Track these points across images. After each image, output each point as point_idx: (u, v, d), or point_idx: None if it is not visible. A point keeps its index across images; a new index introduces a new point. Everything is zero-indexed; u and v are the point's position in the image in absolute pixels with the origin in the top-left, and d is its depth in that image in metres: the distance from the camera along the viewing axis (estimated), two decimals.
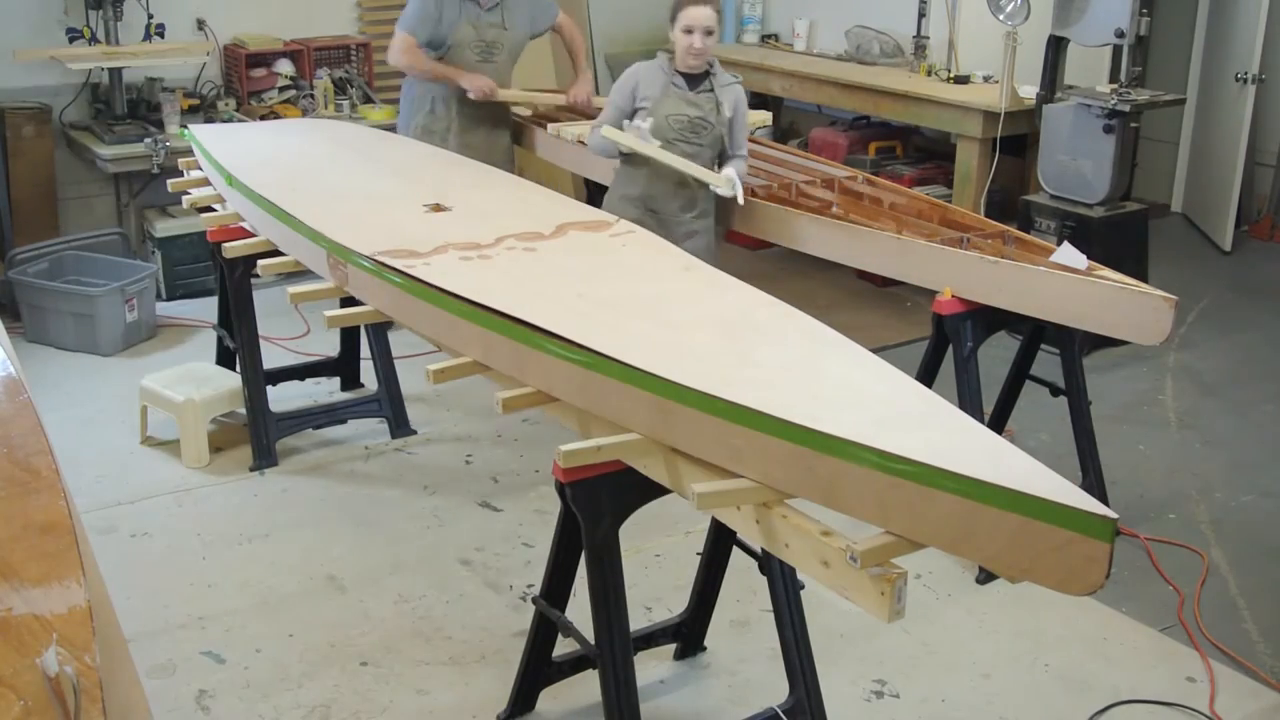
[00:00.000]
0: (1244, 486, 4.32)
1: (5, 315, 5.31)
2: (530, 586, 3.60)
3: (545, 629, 2.94)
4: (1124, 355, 5.34)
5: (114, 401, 4.83)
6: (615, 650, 2.64)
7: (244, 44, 6.37)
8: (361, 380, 4.96)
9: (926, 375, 3.84)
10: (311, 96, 6.45)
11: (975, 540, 1.92)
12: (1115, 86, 5.36)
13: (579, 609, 2.81)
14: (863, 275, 6.13)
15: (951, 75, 6.40)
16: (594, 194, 5.26)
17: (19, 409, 2.31)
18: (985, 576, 3.67)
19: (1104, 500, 3.39)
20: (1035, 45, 5.66)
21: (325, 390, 4.96)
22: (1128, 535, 3.90)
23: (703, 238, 4.27)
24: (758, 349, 2.49)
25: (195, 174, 4.56)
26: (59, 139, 6.07)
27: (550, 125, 5.39)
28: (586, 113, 5.37)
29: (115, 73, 5.99)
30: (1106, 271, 3.54)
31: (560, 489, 2.58)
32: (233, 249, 4.02)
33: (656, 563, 3.79)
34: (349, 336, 4.90)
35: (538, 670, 3.01)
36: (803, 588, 2.93)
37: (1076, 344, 3.92)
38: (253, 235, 3.99)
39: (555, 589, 2.89)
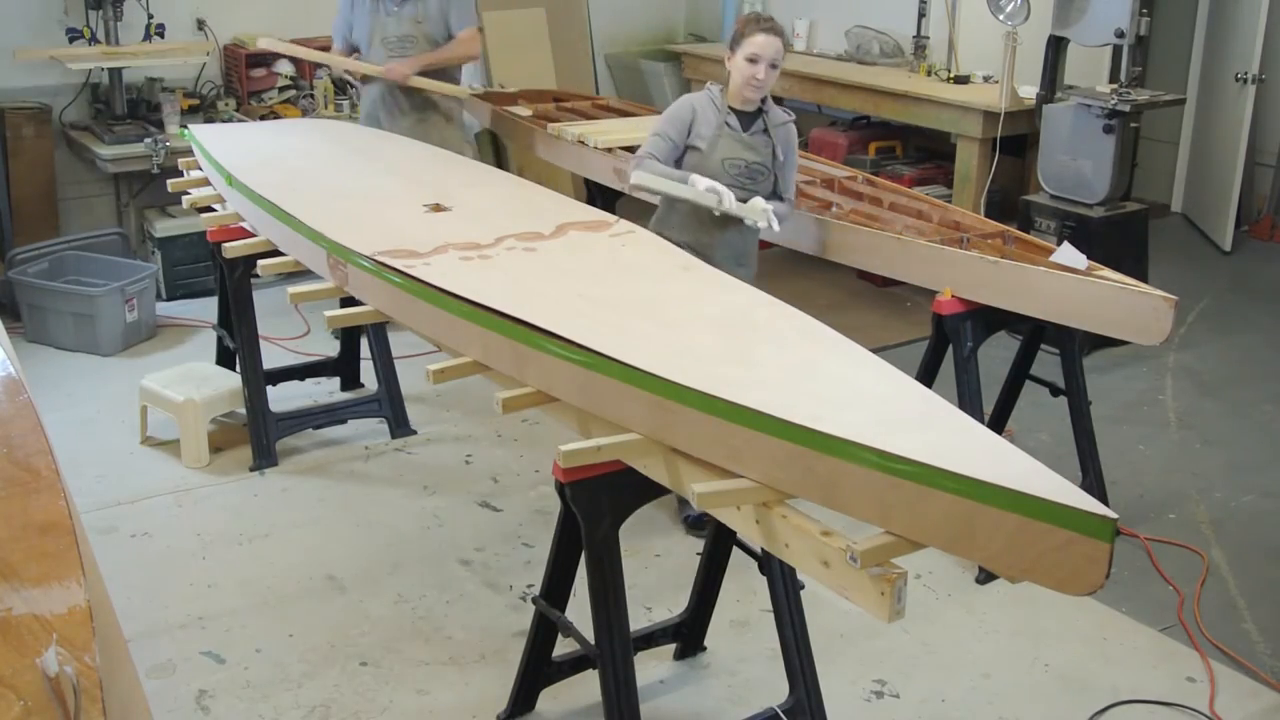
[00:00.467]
0: (1244, 486, 4.32)
1: (5, 315, 5.32)
2: (530, 586, 3.60)
3: (545, 629, 2.94)
4: (1124, 355, 5.34)
5: (114, 401, 4.83)
6: (615, 650, 2.64)
7: (244, 44, 6.37)
8: (361, 380, 4.96)
9: (926, 375, 3.84)
10: (311, 96, 6.46)
11: (975, 540, 1.92)
12: (1115, 86, 5.36)
13: (579, 609, 2.81)
14: (863, 275, 6.13)
15: (951, 75, 6.41)
16: (594, 194, 5.26)
17: (19, 409, 2.30)
18: (985, 576, 3.67)
19: (1104, 500, 3.39)
20: (1035, 45, 5.66)
21: (325, 390, 4.96)
22: (1128, 535, 3.90)
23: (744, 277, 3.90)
24: (758, 349, 2.49)
25: (195, 174, 4.56)
26: (59, 139, 6.07)
27: (550, 125, 5.38)
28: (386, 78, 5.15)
29: (115, 73, 5.99)
30: (1106, 271, 3.54)
31: (560, 489, 2.58)
32: (233, 249, 4.02)
33: (656, 563, 3.79)
34: (349, 336, 4.90)
35: (538, 670, 3.01)
36: (803, 588, 2.93)
37: (1076, 344, 3.92)
38: (253, 235, 3.99)
39: (555, 589, 2.89)
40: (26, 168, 5.94)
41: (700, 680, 3.26)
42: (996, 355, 4.49)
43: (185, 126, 4.98)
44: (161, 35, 6.16)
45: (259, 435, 4.36)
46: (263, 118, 6.06)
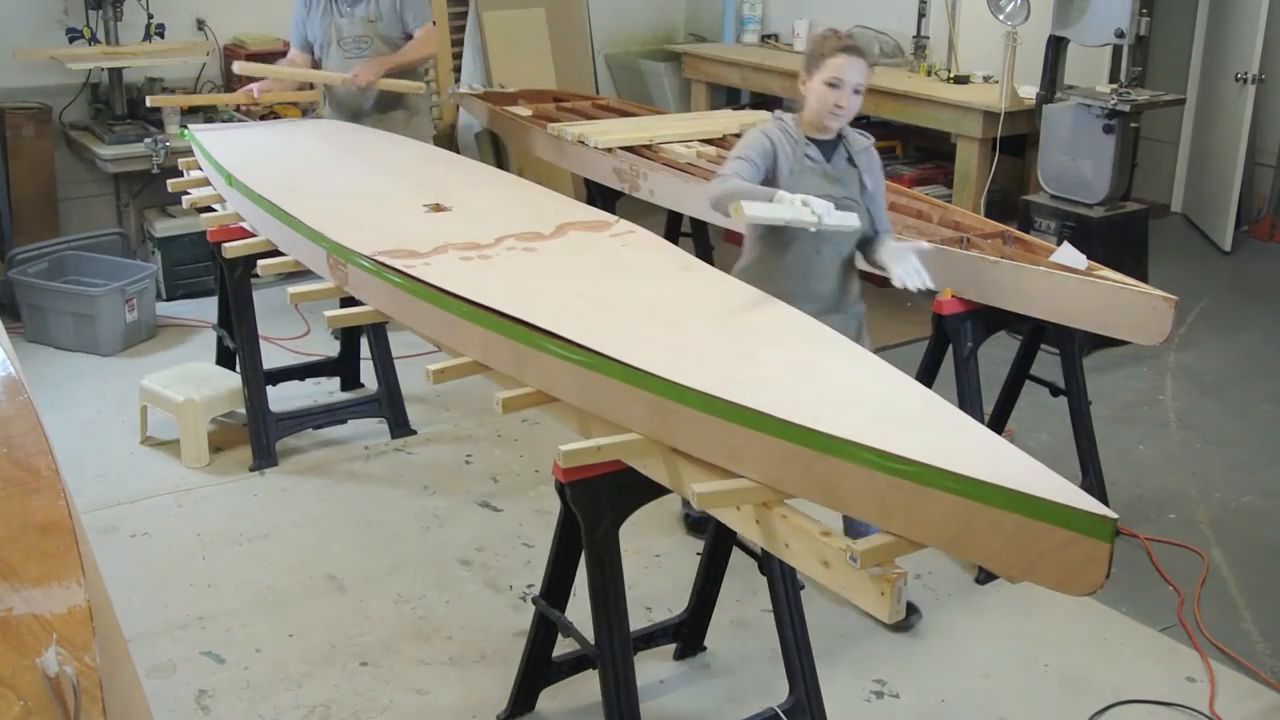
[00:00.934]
0: (1244, 486, 4.32)
1: (5, 315, 5.32)
2: (530, 586, 3.60)
3: (545, 629, 2.94)
4: (1124, 355, 5.34)
5: (114, 401, 4.83)
6: (615, 650, 2.64)
7: (244, 44, 6.37)
8: (361, 380, 4.96)
9: (926, 375, 3.84)
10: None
11: (975, 540, 1.92)
12: (1115, 86, 5.36)
13: (579, 609, 2.81)
14: (863, 275, 6.12)
15: (951, 75, 6.41)
16: (594, 194, 5.26)
17: (19, 409, 2.30)
18: (985, 576, 3.67)
19: (1104, 500, 3.39)
20: (1035, 45, 5.66)
21: (325, 390, 4.96)
22: (1128, 535, 3.90)
23: (863, 335, 3.53)
24: (758, 349, 2.49)
25: (195, 174, 4.56)
26: (59, 139, 6.07)
27: (550, 125, 5.38)
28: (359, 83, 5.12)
29: (115, 73, 5.99)
30: (1106, 271, 3.54)
31: (560, 489, 2.58)
32: (233, 249, 4.02)
33: (656, 563, 3.79)
34: (349, 336, 4.90)
35: (538, 670, 3.01)
36: (803, 588, 2.93)
37: (1076, 344, 3.92)
38: (253, 235, 3.99)
39: (555, 589, 2.89)
40: (26, 168, 5.94)
41: (700, 680, 3.26)
42: (996, 355, 4.49)
43: (185, 126, 4.98)
44: (161, 35, 6.16)
45: (259, 435, 4.36)
46: (262, 118, 6.05)
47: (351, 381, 4.97)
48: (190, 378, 4.49)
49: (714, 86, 7.66)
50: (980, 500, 1.89)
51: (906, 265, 3.18)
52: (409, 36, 5.22)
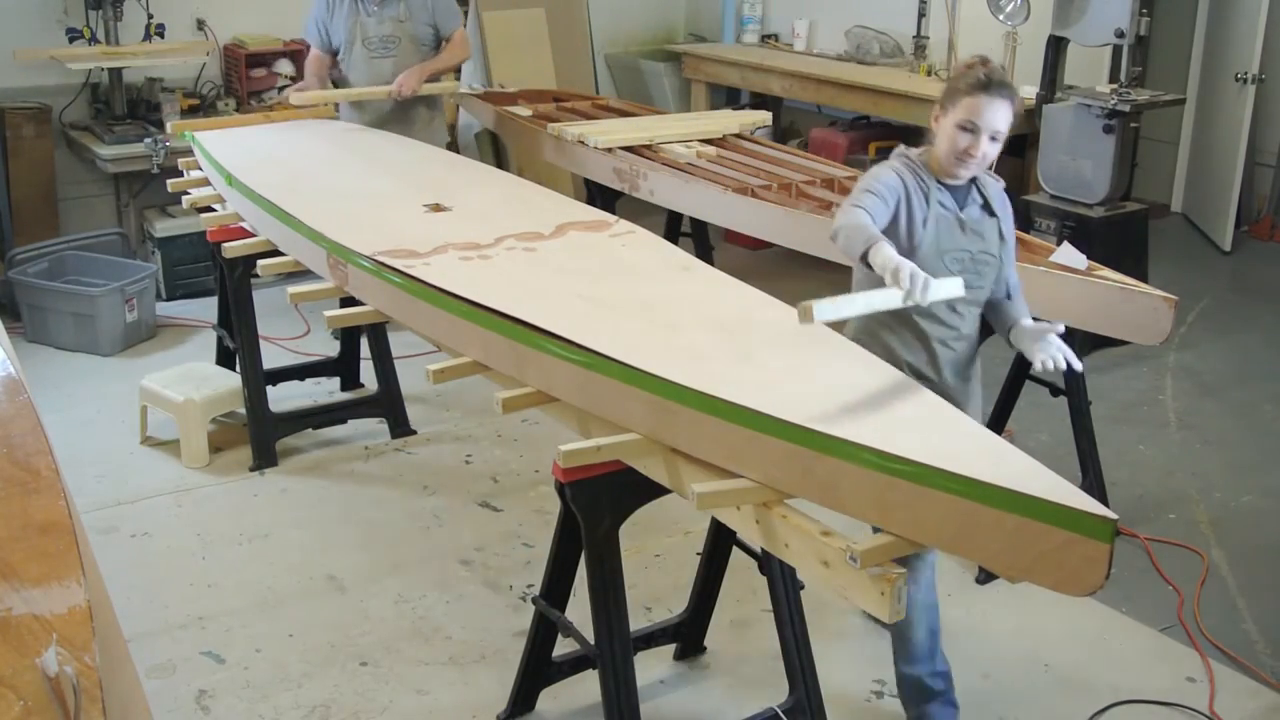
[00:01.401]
0: (1244, 486, 4.32)
1: (5, 315, 5.32)
2: (530, 586, 3.60)
3: (545, 629, 2.94)
4: (1124, 355, 5.33)
5: (114, 401, 4.83)
6: (615, 650, 2.64)
7: (244, 44, 6.37)
8: (361, 380, 4.96)
9: None
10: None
11: (974, 540, 1.92)
12: (1115, 86, 5.36)
13: (579, 609, 2.81)
14: None
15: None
16: (594, 194, 5.26)
17: (19, 409, 2.30)
18: (985, 576, 3.67)
19: (1104, 500, 3.39)
20: (1035, 45, 5.66)
21: (325, 390, 4.96)
22: (1127, 535, 3.90)
23: (975, 394, 3.07)
24: (758, 349, 2.49)
25: (195, 174, 4.56)
26: (59, 139, 6.08)
27: (550, 125, 5.38)
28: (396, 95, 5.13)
29: (115, 73, 5.99)
30: (1106, 271, 3.54)
31: (560, 489, 2.58)
32: (233, 249, 4.02)
33: (656, 563, 3.79)
34: (349, 336, 4.90)
35: (538, 670, 3.01)
36: (803, 588, 2.93)
37: (1076, 344, 3.90)
38: (253, 235, 3.99)
39: (555, 589, 2.89)
40: (26, 168, 5.94)
41: (700, 680, 3.26)
42: (996, 355, 4.48)
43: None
44: (161, 35, 6.16)
45: (259, 435, 4.36)
46: None
47: (351, 381, 4.97)
48: (190, 378, 4.49)
49: (714, 86, 7.67)
50: (980, 500, 1.89)
51: (1050, 349, 2.77)
52: (438, 37, 5.25)
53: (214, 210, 4.26)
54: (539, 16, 7.26)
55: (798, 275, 6.21)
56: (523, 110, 5.83)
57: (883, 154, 6.92)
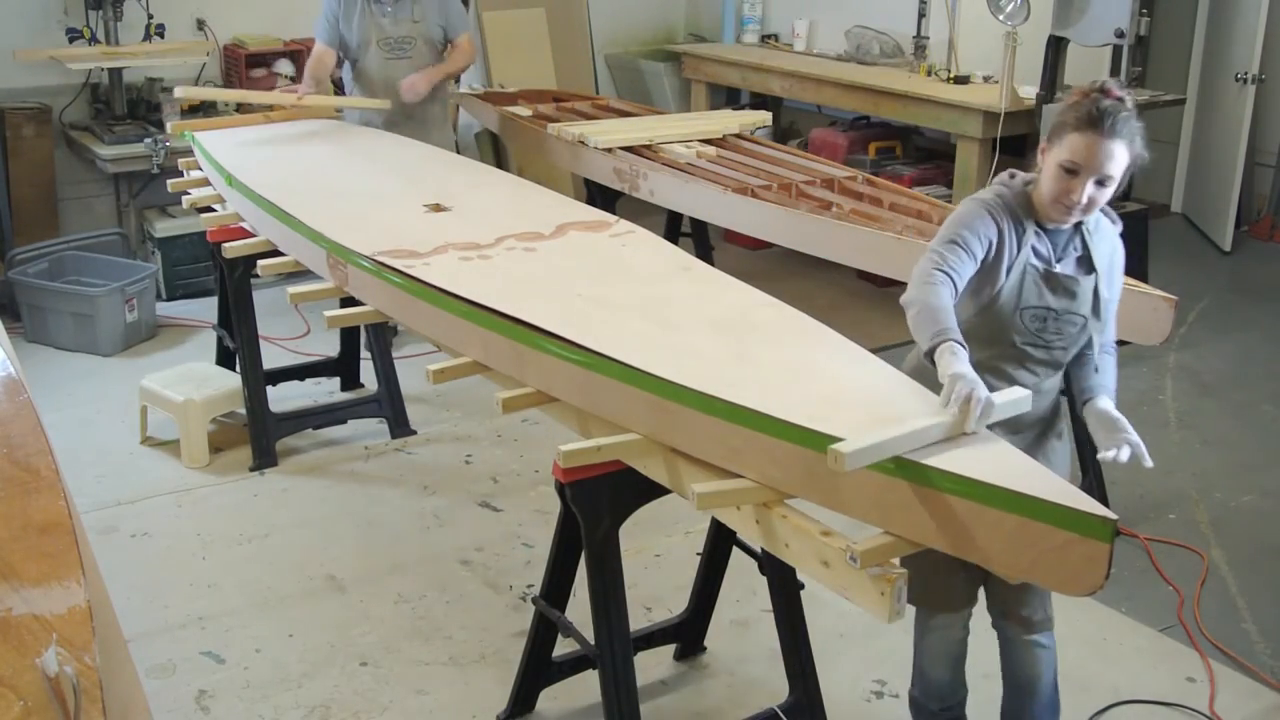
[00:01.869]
0: (1244, 486, 4.32)
1: (5, 315, 5.32)
2: (530, 586, 3.60)
3: (545, 629, 2.94)
4: (1124, 355, 5.27)
5: (114, 401, 4.83)
6: (615, 650, 2.64)
7: (244, 44, 6.37)
8: (361, 380, 4.96)
9: None
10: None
11: (975, 540, 1.92)
12: None
13: (579, 609, 2.81)
14: (863, 275, 6.13)
15: (951, 75, 6.41)
16: (594, 194, 5.26)
17: (19, 409, 2.31)
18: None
19: (1104, 500, 3.39)
20: (1035, 45, 5.66)
21: (325, 390, 4.96)
22: (1128, 535, 3.90)
23: (1057, 451, 2.74)
24: (758, 349, 2.49)
25: (195, 174, 4.56)
26: (59, 139, 6.08)
27: (550, 125, 5.39)
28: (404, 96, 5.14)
29: (115, 73, 5.99)
30: None
31: (560, 489, 2.58)
32: (233, 249, 4.02)
33: (656, 563, 3.79)
34: (349, 336, 4.90)
35: (538, 670, 3.01)
36: (803, 588, 2.93)
37: None
38: (253, 235, 3.99)
39: (555, 589, 2.89)
40: (26, 168, 5.94)
41: (700, 680, 3.26)
42: None
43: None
44: (161, 35, 6.16)
45: (259, 435, 4.36)
46: None
47: (351, 381, 4.97)
48: (190, 378, 4.49)
49: (714, 86, 7.67)
50: (980, 501, 1.89)
51: (1118, 437, 2.42)
52: (446, 39, 5.26)
53: (214, 210, 4.26)
54: (539, 16, 7.27)
55: (798, 275, 6.21)
56: (523, 110, 5.83)
57: (882, 154, 6.97)
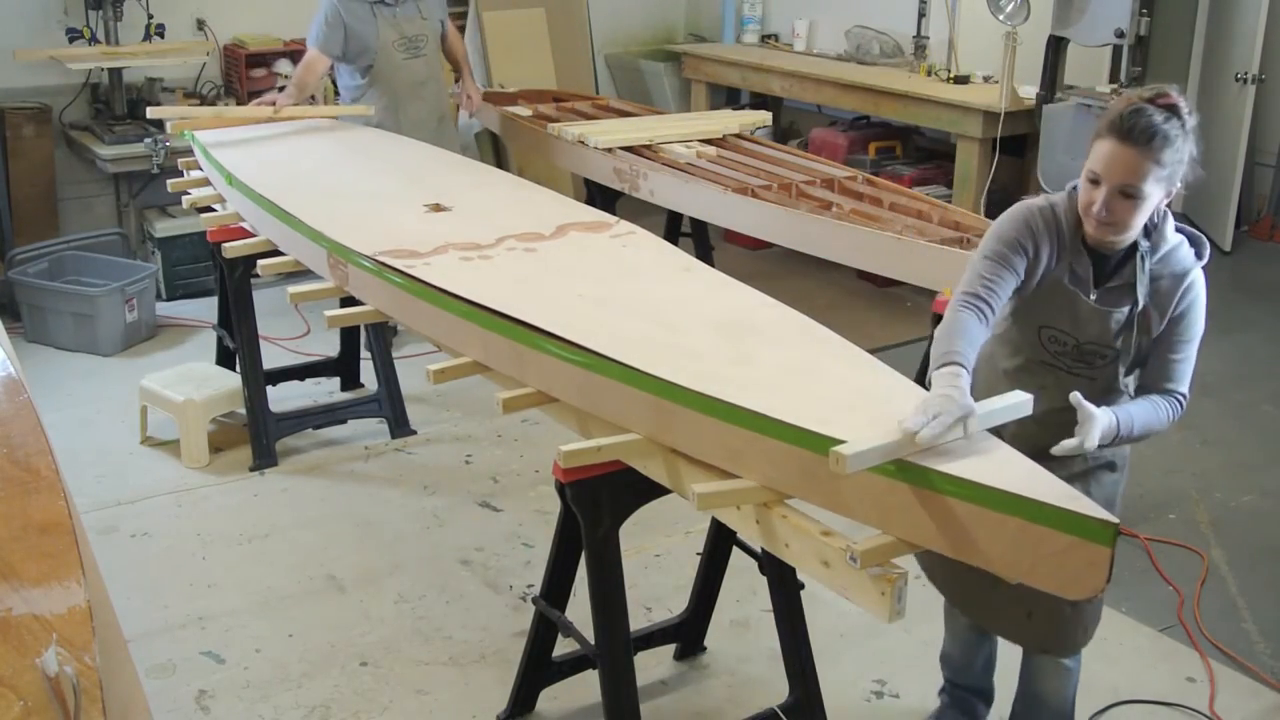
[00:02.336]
0: (1244, 486, 4.32)
1: (5, 315, 5.32)
2: (530, 586, 3.60)
3: (545, 629, 2.94)
4: None
5: (114, 401, 4.83)
6: (615, 650, 2.64)
7: (244, 44, 6.37)
8: (361, 380, 4.96)
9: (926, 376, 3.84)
10: (312, 97, 6.44)
11: (976, 543, 1.92)
12: (1115, 86, 5.36)
13: (579, 609, 2.81)
14: (863, 275, 6.13)
15: (951, 75, 6.41)
16: (594, 194, 5.26)
17: (19, 409, 2.31)
18: None
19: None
20: (1035, 45, 5.66)
21: (325, 390, 4.96)
22: (1128, 535, 3.90)
23: (1119, 470, 2.58)
24: (758, 349, 2.49)
25: (195, 174, 4.56)
26: (59, 139, 6.08)
27: (550, 125, 5.39)
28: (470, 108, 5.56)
29: (115, 73, 5.99)
30: None
31: (560, 489, 2.58)
32: (233, 249, 4.02)
33: (656, 563, 3.79)
34: (349, 336, 4.90)
35: (538, 670, 3.01)
36: (803, 588, 2.93)
37: None
38: (253, 235, 3.99)
39: (555, 589, 2.89)
40: (26, 168, 5.94)
41: (700, 680, 3.26)
42: None
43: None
44: (161, 35, 6.16)
45: (259, 435, 4.36)
46: None
47: (351, 381, 4.97)
48: (190, 378, 4.49)
49: (714, 86, 7.67)
50: (981, 504, 1.89)
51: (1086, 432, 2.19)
52: (442, 35, 5.37)
53: (214, 210, 4.26)
54: (539, 16, 7.27)
55: (798, 275, 6.21)
56: (523, 110, 5.83)
57: (882, 154, 6.97)
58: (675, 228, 5.47)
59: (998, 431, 2.08)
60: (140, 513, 4.05)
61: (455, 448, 4.55)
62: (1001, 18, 5.59)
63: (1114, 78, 5.68)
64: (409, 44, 5.16)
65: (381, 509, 4.11)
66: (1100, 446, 2.23)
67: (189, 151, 4.66)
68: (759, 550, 2.97)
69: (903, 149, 6.89)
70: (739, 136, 5.32)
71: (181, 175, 4.65)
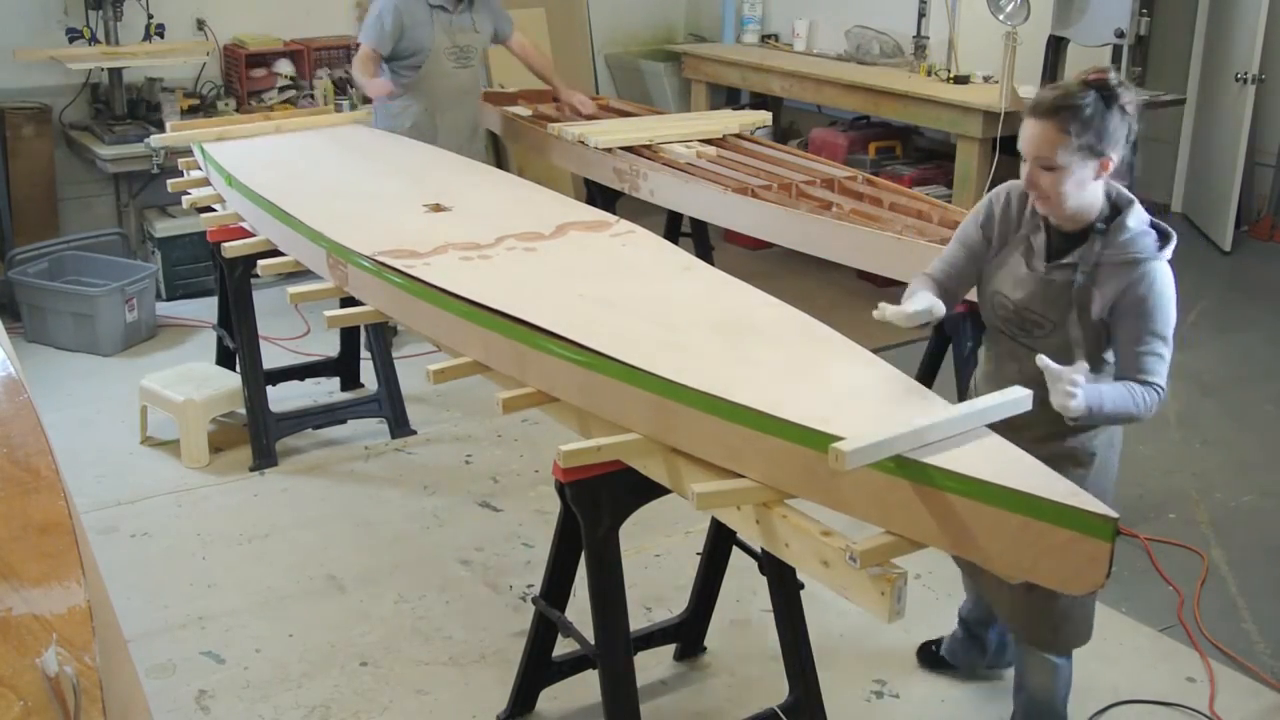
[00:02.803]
0: (1244, 486, 4.32)
1: (5, 315, 5.32)
2: (530, 586, 3.60)
3: (545, 629, 2.94)
4: None
5: (114, 401, 4.83)
6: (615, 650, 2.64)
7: (244, 44, 6.37)
8: (361, 380, 4.96)
9: (926, 375, 3.84)
10: (311, 97, 6.45)
11: (976, 539, 1.92)
12: None
13: (579, 609, 2.81)
14: (863, 275, 6.12)
15: (951, 75, 6.40)
16: (594, 194, 5.26)
17: (19, 409, 2.31)
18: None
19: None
20: (1035, 45, 5.66)
21: (325, 390, 4.96)
22: (1127, 535, 3.90)
23: (1086, 466, 2.69)
24: (758, 349, 2.49)
25: (195, 174, 4.56)
26: (59, 139, 6.07)
27: (550, 125, 5.39)
28: (583, 113, 5.61)
29: (115, 73, 5.99)
30: None
31: (560, 489, 2.58)
32: (233, 249, 4.02)
33: (656, 563, 3.79)
34: (349, 336, 4.90)
35: (538, 670, 3.01)
36: (802, 587, 2.93)
37: None
38: (253, 235, 3.99)
39: (555, 589, 2.89)
40: (26, 168, 5.94)
41: (700, 680, 3.26)
42: None
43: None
44: (161, 35, 6.16)
45: (259, 435, 4.36)
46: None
47: (351, 381, 4.97)
48: (190, 378, 4.49)
49: (714, 86, 7.67)
50: (981, 500, 1.89)
51: (1058, 387, 2.20)
52: (494, 43, 5.47)
53: (214, 210, 4.26)
54: (539, 16, 7.27)
55: (798, 275, 6.21)
56: (523, 110, 5.83)
57: (882, 154, 6.97)
58: (675, 228, 5.46)
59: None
60: (140, 513, 4.05)
61: (455, 448, 4.54)
62: (1001, 18, 5.59)
63: (1112, 66, 5.68)
64: (460, 53, 5.20)
65: (381, 509, 4.11)
66: (1072, 421, 2.28)
67: (189, 151, 4.65)
68: (759, 550, 2.97)
69: (903, 149, 6.89)
70: (739, 136, 5.32)
71: (181, 175, 4.65)
